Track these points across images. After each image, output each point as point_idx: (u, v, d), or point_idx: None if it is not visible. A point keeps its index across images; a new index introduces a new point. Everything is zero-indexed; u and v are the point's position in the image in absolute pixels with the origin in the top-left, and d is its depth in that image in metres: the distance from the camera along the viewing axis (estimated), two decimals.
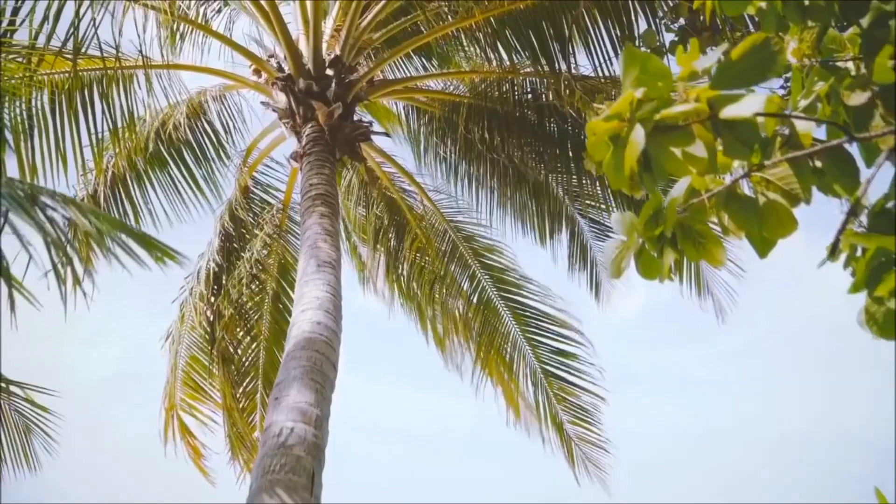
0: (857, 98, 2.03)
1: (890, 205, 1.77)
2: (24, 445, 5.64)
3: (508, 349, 7.76)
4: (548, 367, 7.86)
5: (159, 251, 2.37)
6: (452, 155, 7.61)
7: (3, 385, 5.07)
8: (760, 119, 1.86)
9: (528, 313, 7.83)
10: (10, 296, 2.61)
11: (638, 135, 1.66)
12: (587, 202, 7.94)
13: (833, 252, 1.90)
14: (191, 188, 7.07)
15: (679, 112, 1.71)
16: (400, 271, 8.02)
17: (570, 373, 7.84)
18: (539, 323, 7.83)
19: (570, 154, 7.15)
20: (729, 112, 1.69)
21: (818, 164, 1.92)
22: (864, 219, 1.84)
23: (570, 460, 7.80)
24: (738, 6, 2.07)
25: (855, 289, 1.86)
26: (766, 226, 1.94)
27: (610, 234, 8.71)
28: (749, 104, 1.69)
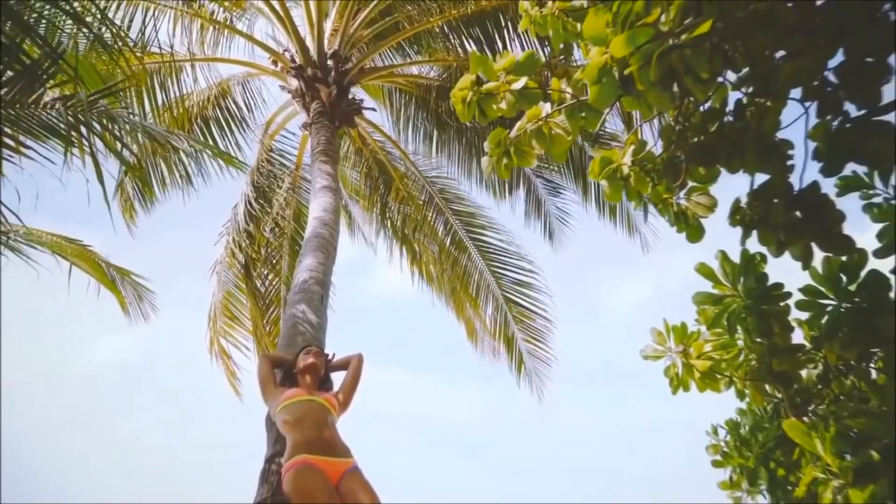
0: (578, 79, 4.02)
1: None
2: (139, 305, 8.00)
3: (476, 278, 9.82)
4: (508, 295, 9.96)
5: (228, 160, 4.34)
6: (428, 126, 9.59)
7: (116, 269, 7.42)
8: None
9: (491, 250, 9.89)
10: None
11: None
12: (540, 164, 9.96)
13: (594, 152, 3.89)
14: (223, 152, 9.05)
15: (493, 86, 3.76)
16: (390, 220, 10.07)
17: (525, 300, 9.95)
18: (500, 257, 9.88)
19: None
20: (513, 86, 3.72)
21: (583, 114, 3.91)
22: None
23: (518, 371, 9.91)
24: (559, 38, 4.06)
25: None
26: (553, 146, 3.95)
27: (560, 191, 10.77)
28: (520, 82, 3.70)
